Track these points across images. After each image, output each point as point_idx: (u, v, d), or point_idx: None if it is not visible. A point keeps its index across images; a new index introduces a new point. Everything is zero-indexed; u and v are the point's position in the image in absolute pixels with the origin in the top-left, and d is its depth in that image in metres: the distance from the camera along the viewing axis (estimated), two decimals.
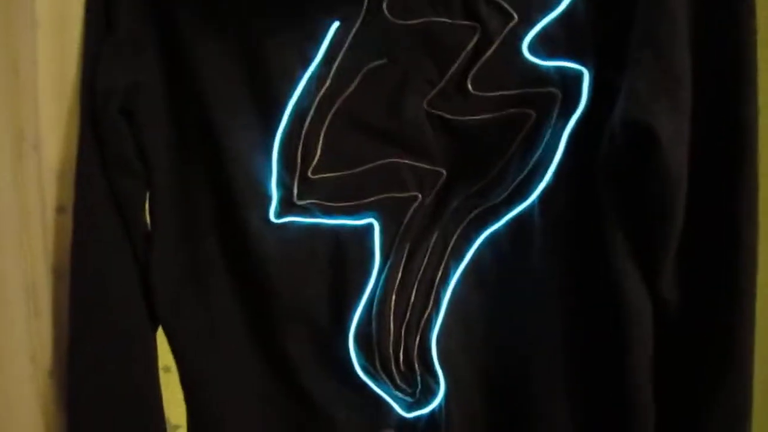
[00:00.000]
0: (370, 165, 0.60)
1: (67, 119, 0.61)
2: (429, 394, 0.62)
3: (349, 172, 0.60)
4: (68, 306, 0.61)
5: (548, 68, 0.57)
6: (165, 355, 0.65)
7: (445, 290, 0.61)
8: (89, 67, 0.60)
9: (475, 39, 0.57)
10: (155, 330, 0.64)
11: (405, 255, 0.60)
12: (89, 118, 0.60)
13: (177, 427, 0.74)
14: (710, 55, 0.53)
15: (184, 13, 0.59)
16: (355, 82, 0.59)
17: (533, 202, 0.58)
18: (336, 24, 0.58)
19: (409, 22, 0.57)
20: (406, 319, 0.61)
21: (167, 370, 0.67)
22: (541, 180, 0.58)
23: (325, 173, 0.60)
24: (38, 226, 0.60)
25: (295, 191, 0.60)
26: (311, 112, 0.59)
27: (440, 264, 0.60)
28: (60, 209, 0.62)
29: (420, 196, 0.60)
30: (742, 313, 0.55)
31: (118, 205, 0.61)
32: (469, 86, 0.58)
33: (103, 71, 0.59)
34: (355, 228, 0.60)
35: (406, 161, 0.60)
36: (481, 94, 0.58)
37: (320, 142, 0.59)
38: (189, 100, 0.61)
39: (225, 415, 0.64)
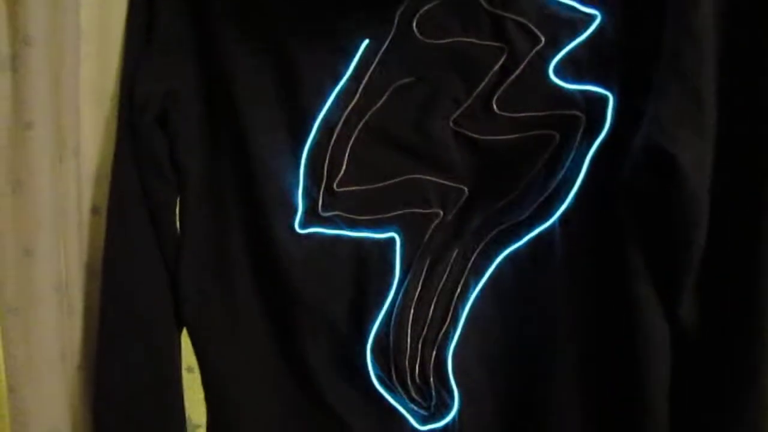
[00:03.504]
0: (395, 180, 0.61)
1: (106, 126, 0.63)
2: (443, 407, 0.62)
3: (374, 186, 0.61)
4: (98, 304, 0.63)
5: (573, 91, 0.57)
6: (188, 356, 0.67)
7: (463, 306, 0.62)
8: (128, 76, 0.62)
9: (502, 60, 0.58)
10: (180, 331, 0.66)
11: (425, 270, 0.61)
12: (126, 125, 0.62)
13: (198, 426, 0.76)
14: (736, 82, 0.53)
15: (222, 26, 0.61)
16: (383, 99, 0.60)
17: (554, 223, 0.59)
18: (366, 41, 0.59)
19: (438, 42, 0.59)
20: (424, 333, 0.62)
21: (190, 370, 0.69)
22: (562, 201, 0.58)
23: (350, 186, 0.61)
24: (74, 227, 0.62)
25: (320, 203, 0.61)
26: (339, 127, 0.61)
27: (459, 280, 0.61)
28: (95, 210, 0.64)
29: (442, 212, 0.61)
30: (762, 340, 0.55)
31: (150, 209, 0.63)
32: (495, 106, 0.59)
33: (141, 80, 0.61)
34: (378, 241, 0.62)
35: (430, 178, 0.61)
36: (506, 114, 0.59)
37: (347, 155, 0.61)
38: (222, 111, 0.63)
39: (243, 417, 0.66)
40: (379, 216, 0.61)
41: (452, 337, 0.62)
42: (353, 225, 0.62)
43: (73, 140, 0.61)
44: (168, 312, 0.64)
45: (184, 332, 0.66)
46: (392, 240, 0.61)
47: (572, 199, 0.58)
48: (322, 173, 0.61)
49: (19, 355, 0.61)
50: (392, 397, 0.62)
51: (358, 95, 0.60)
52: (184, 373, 0.67)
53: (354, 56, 0.60)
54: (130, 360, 0.64)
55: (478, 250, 0.61)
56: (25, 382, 0.61)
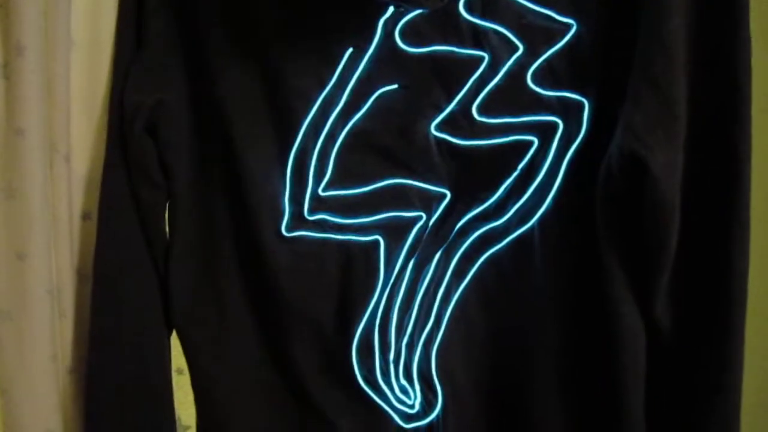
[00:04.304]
0: (378, 184, 0.63)
1: (96, 133, 0.64)
2: (427, 406, 0.64)
3: (358, 190, 0.63)
4: (90, 308, 0.64)
5: (551, 98, 0.59)
6: (178, 358, 0.68)
7: (446, 307, 0.63)
8: (119, 84, 0.63)
9: (482, 67, 0.60)
10: (170, 333, 0.67)
11: (408, 272, 0.63)
12: (116, 133, 0.63)
13: (188, 427, 0.77)
14: (707, 88, 0.55)
15: (210, 35, 0.63)
16: (367, 105, 0.62)
17: (533, 226, 0.61)
18: (350, 50, 0.61)
19: (420, 50, 0.60)
20: (408, 334, 0.63)
21: (180, 372, 0.70)
22: (541, 204, 0.60)
23: (335, 191, 0.63)
24: (65, 232, 0.63)
25: (306, 207, 0.63)
26: (324, 133, 0.62)
27: (442, 282, 0.63)
28: (85, 216, 0.65)
29: (424, 216, 0.63)
30: (734, 337, 0.57)
31: (139, 214, 0.64)
32: (475, 113, 0.60)
33: (131, 89, 0.62)
34: (363, 244, 0.63)
35: (413, 182, 0.62)
36: (485, 120, 0.61)
37: (332, 161, 0.62)
38: (210, 118, 0.64)
39: (232, 417, 0.67)
40: (364, 219, 0.63)
41: (436, 338, 0.64)
42: (339, 229, 0.63)
43: (64, 146, 0.62)
44: (158, 315, 0.66)
45: (174, 335, 0.67)
46: (377, 243, 0.63)
47: (550, 202, 0.60)
48: (308, 178, 0.62)
49: (11, 357, 0.61)
50: (377, 396, 0.64)
51: (342, 102, 0.62)
52: (174, 375, 0.68)
53: (339, 64, 0.61)
54: (121, 362, 0.65)
55: (460, 253, 0.63)
56: (17, 384, 0.62)
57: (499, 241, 0.62)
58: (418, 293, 0.63)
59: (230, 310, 0.66)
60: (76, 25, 0.63)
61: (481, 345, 0.64)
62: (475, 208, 0.62)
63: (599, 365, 0.60)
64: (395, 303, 0.63)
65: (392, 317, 0.63)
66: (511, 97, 0.60)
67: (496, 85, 0.60)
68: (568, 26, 0.58)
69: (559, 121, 0.59)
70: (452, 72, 0.60)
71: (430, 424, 0.64)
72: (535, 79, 0.59)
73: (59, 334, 0.64)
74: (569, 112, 0.59)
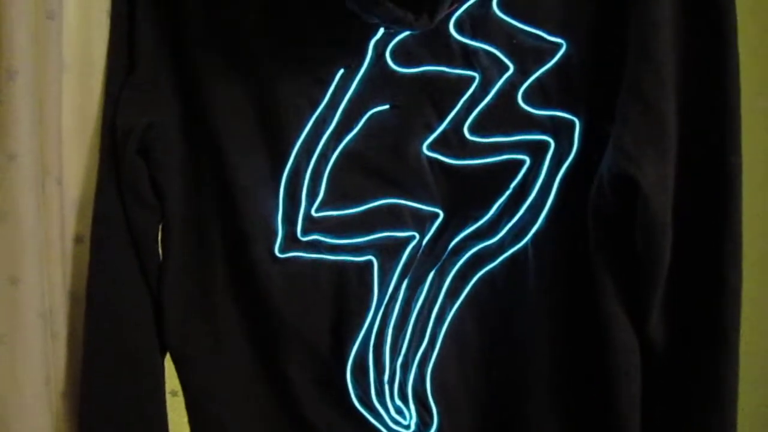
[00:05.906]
0: (371, 204, 0.63)
1: (89, 156, 0.64)
2: (423, 426, 0.64)
3: (351, 210, 0.63)
4: (83, 331, 0.64)
5: (542, 116, 0.60)
6: (172, 380, 0.67)
7: (440, 327, 0.63)
8: (110, 107, 0.63)
9: (473, 87, 0.60)
10: (164, 355, 0.67)
11: (402, 291, 0.63)
12: (109, 155, 0.63)
13: None
14: (696, 104, 0.56)
15: (201, 56, 0.63)
16: (359, 126, 0.62)
17: (527, 243, 0.61)
18: (342, 70, 0.61)
19: (411, 70, 0.61)
20: (402, 354, 0.63)
21: (174, 394, 0.69)
22: (534, 223, 0.60)
23: (328, 211, 0.63)
24: (58, 255, 0.63)
25: (299, 227, 0.63)
26: (317, 153, 0.62)
27: (436, 301, 0.63)
28: (78, 239, 0.65)
29: (418, 235, 0.63)
30: (728, 352, 0.57)
31: (132, 236, 0.64)
32: (467, 132, 0.61)
33: (123, 112, 0.62)
34: (356, 264, 0.63)
35: (406, 202, 0.62)
36: (477, 139, 0.61)
37: (324, 181, 0.63)
38: (203, 139, 0.64)
39: None
40: (357, 240, 0.63)
41: (431, 357, 0.63)
42: (332, 249, 0.63)
43: (56, 169, 0.62)
44: (152, 337, 0.65)
45: (168, 357, 0.67)
46: (370, 263, 0.63)
47: (543, 220, 0.60)
48: (301, 198, 0.63)
49: (4, 381, 0.61)
50: (372, 417, 0.63)
51: (334, 122, 0.62)
52: (168, 397, 0.68)
53: (330, 84, 0.61)
54: (114, 385, 0.64)
55: (453, 272, 0.63)
56: (10, 408, 0.61)
57: (493, 260, 0.62)
58: (412, 313, 0.63)
59: (224, 330, 0.66)
60: (68, 48, 0.62)
61: (475, 364, 0.64)
62: (468, 227, 0.62)
63: (593, 381, 0.60)
64: (389, 323, 0.63)
65: (387, 337, 0.63)
66: (503, 116, 0.60)
67: (488, 105, 0.60)
68: (558, 45, 0.58)
69: (551, 140, 0.60)
70: (443, 92, 0.61)
71: None
72: (526, 98, 0.59)
73: (52, 357, 0.63)
74: (560, 130, 0.59)
